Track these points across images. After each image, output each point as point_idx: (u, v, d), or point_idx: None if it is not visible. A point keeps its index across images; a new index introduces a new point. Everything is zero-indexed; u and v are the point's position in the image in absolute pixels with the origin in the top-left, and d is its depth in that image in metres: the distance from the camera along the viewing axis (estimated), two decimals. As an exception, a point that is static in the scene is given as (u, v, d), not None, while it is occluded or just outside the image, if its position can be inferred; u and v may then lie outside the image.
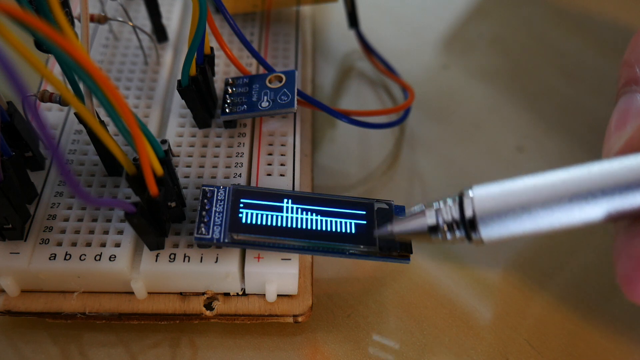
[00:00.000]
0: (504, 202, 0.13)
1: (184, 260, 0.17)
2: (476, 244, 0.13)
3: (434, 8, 0.31)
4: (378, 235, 0.17)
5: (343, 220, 0.17)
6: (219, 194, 0.18)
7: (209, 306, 0.18)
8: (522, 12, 0.30)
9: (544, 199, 0.12)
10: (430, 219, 0.14)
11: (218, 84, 0.22)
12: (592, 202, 0.12)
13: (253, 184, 0.20)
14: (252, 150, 0.21)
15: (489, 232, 0.13)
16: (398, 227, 0.15)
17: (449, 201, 0.14)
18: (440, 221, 0.14)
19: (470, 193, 0.13)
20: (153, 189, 0.16)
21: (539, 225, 0.12)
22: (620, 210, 0.12)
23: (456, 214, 0.13)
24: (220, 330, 0.19)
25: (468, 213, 0.13)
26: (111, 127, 0.20)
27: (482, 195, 0.13)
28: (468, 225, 0.13)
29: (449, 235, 0.14)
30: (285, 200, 0.18)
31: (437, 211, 0.14)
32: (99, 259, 0.17)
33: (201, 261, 0.17)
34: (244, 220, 0.17)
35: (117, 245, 0.18)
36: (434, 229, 0.14)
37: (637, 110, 0.14)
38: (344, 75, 0.27)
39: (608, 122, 0.15)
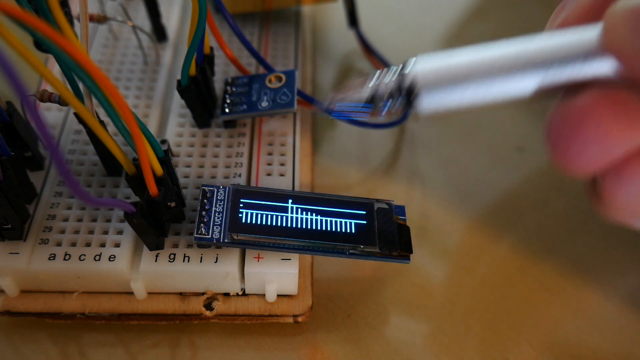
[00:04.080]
0: (445, 74, 0.13)
1: (183, 261, 0.17)
2: (413, 117, 0.14)
3: (434, 8, 0.31)
4: (325, 108, 0.16)
5: (343, 220, 0.17)
6: (219, 194, 0.18)
7: (208, 306, 0.18)
8: (522, 12, 0.30)
9: (483, 70, 0.13)
10: (371, 87, 0.14)
11: (218, 84, 0.22)
12: (528, 73, 0.12)
13: (253, 184, 0.20)
14: (252, 150, 0.21)
15: (428, 101, 0.13)
16: (340, 94, 0.15)
17: (393, 68, 0.14)
18: (381, 90, 0.14)
19: (413, 62, 0.13)
20: (153, 189, 0.16)
21: (478, 95, 0.13)
22: (554, 81, 0.12)
23: (397, 84, 0.14)
24: (220, 330, 0.19)
25: (408, 83, 0.13)
26: (111, 127, 0.20)
27: (424, 65, 0.13)
28: (407, 93, 0.13)
29: (388, 105, 0.14)
30: (285, 200, 0.18)
31: (379, 80, 0.14)
32: (99, 259, 0.17)
33: (201, 261, 0.17)
34: (243, 220, 0.17)
35: (117, 245, 0.18)
36: (374, 97, 0.14)
37: None
38: (344, 75, 0.27)
39: None
